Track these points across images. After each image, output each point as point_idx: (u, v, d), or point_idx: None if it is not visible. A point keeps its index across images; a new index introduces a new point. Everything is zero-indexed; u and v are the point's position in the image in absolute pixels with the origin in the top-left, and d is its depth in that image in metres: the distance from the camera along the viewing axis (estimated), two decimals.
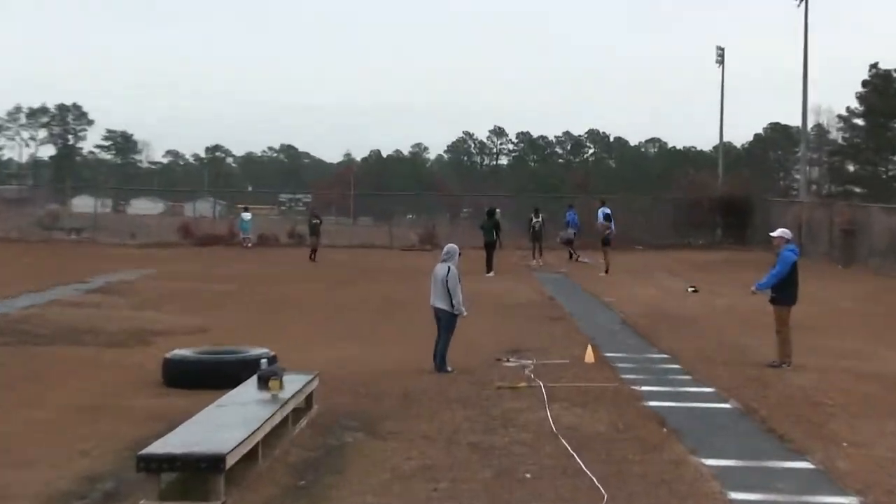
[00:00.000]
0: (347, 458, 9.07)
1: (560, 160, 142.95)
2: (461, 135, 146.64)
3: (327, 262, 33.43)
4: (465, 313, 13.72)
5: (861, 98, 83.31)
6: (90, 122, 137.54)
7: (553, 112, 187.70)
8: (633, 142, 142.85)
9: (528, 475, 8.47)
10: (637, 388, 12.29)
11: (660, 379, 13.09)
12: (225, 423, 8.44)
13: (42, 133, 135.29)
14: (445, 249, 13.86)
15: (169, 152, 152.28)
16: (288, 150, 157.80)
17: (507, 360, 14.27)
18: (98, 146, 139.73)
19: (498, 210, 31.74)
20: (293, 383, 10.14)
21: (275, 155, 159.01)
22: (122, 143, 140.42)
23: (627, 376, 13.13)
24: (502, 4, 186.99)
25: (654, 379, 13.05)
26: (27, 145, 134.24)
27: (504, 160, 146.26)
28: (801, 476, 8.62)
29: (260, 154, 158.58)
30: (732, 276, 27.53)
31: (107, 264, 30.46)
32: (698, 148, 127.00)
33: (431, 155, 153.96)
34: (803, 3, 42.73)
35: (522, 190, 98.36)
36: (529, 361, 14.10)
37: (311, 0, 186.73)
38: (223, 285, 25.41)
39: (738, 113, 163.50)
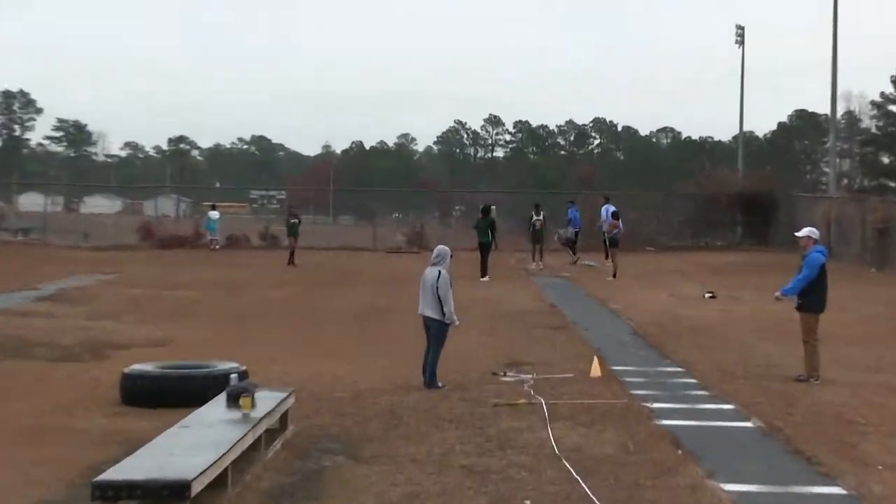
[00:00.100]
0: (326, 484, 9.06)
1: (562, 152, 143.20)
2: (452, 124, 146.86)
3: (305, 266, 33.40)
4: (458, 322, 13.72)
5: None
6: (39, 111, 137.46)
7: (555, 99, 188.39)
8: (643, 131, 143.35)
9: (527, 502, 8.47)
10: (648, 404, 12.30)
11: (674, 395, 13.10)
12: (190, 446, 8.42)
13: None
14: (435, 252, 13.86)
15: (127, 144, 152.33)
16: (260, 141, 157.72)
17: (505, 375, 14.26)
18: (48, 137, 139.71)
19: (494, 207, 31.75)
20: (266, 401, 10.12)
21: (245, 147, 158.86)
22: (75, 133, 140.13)
23: (638, 392, 13.14)
24: None
25: (668, 395, 13.07)
26: None
27: (500, 152, 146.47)
28: (831, 503, 8.63)
29: (229, 146, 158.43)
30: (754, 281, 27.56)
31: (58, 269, 30.35)
32: (716, 138, 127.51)
33: (420, 146, 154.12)
34: None
35: (521, 185, 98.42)
36: (529, 376, 14.09)
37: None
38: (188, 292, 25.34)
39: (760, 99, 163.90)
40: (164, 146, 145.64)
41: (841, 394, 13.17)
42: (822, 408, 12.28)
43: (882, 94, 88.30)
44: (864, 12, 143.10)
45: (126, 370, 12.65)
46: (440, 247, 14.02)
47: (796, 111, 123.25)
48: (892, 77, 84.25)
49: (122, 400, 12.36)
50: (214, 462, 8.01)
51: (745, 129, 63.55)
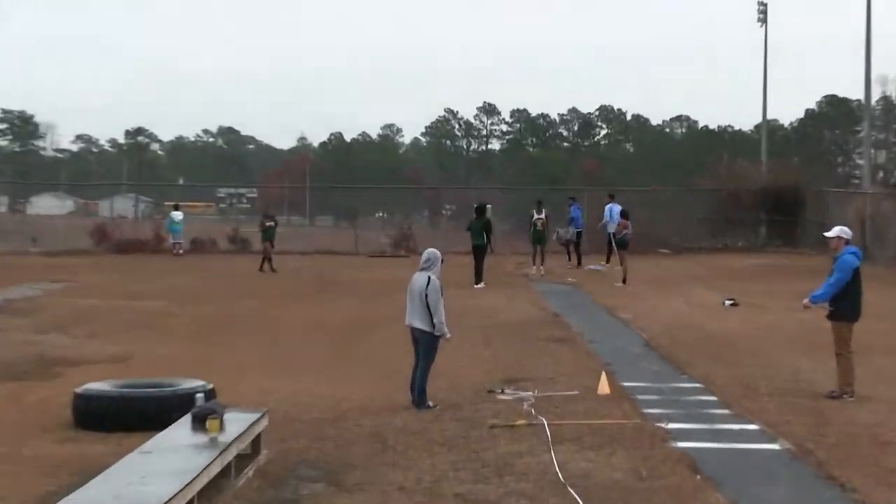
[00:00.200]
0: None
1: (565, 144, 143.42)
2: (442, 113, 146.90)
3: (279, 273, 33.40)
4: (449, 335, 13.71)
5: None
6: None
7: (556, 85, 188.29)
8: (654, 120, 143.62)
9: None
10: (663, 425, 12.31)
11: (691, 414, 13.11)
12: (151, 474, 8.40)
13: None
14: (425, 256, 13.86)
15: (80, 137, 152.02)
16: (228, 133, 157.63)
17: (502, 393, 14.24)
18: None
19: (489, 206, 31.80)
20: (236, 423, 10.10)
21: (211, 140, 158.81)
22: (20, 126, 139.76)
23: (651, 411, 13.14)
24: None
25: (684, 414, 13.07)
26: None
27: (496, 144, 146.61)
28: None
29: (193, 139, 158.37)
30: (780, 287, 27.60)
31: (2, 277, 30.27)
32: (736, 127, 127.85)
33: (406, 138, 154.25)
34: None
35: (519, 181, 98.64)
36: (529, 393, 14.09)
37: None
38: (149, 302, 25.31)
39: (786, 84, 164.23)
40: (121, 139, 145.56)
41: (878, 411, 13.19)
42: (857, 428, 12.29)
43: None
44: None
45: (79, 390, 12.61)
46: (430, 250, 14.01)
47: (826, 97, 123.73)
48: None
49: (74, 423, 12.32)
50: (179, 492, 7.99)
51: (769, 117, 63.77)
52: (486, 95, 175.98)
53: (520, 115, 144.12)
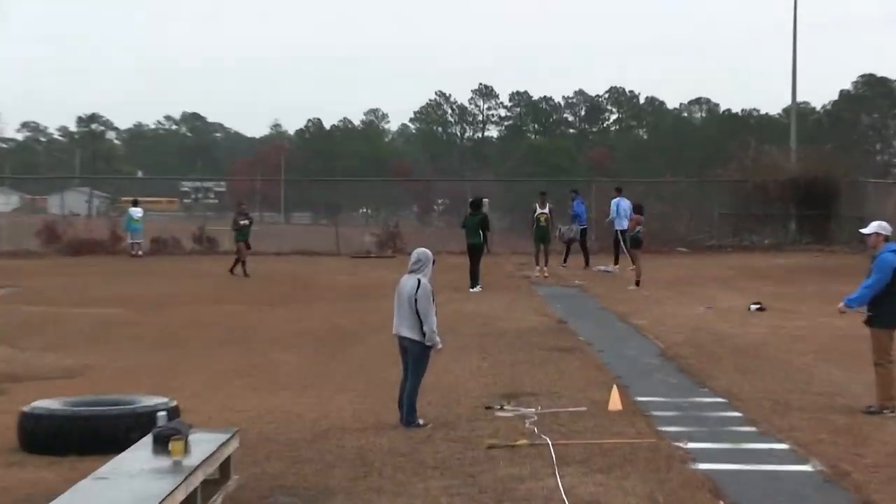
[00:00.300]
0: None
1: (571, 130, 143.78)
2: (433, 97, 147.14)
3: (252, 277, 33.34)
4: (441, 345, 13.72)
5: None
6: None
7: (561, 64, 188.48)
8: (671, 103, 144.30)
9: None
10: (681, 444, 12.32)
11: (713, 432, 13.12)
12: (107, 503, 8.37)
13: None
14: (414, 257, 13.85)
15: (25, 125, 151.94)
16: (192, 120, 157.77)
17: (502, 409, 14.26)
18: None
19: (486, 200, 31.81)
20: (203, 445, 10.08)
21: (174, 128, 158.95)
22: None
23: (668, 429, 13.15)
24: None
25: (706, 432, 13.09)
26: None
27: (493, 131, 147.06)
28: None
29: (153, 126, 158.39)
30: (812, 289, 27.65)
31: None
32: (762, 111, 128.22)
33: (392, 125, 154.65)
34: None
35: (519, 172, 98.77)
36: (532, 410, 14.10)
37: None
38: (105, 310, 25.30)
39: (818, 62, 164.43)
40: (73, 127, 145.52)
41: None
42: None
43: None
44: None
45: (26, 408, 12.57)
46: (420, 250, 14.01)
47: (862, 76, 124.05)
48: None
49: (21, 445, 12.28)
50: None
51: (799, 99, 63.71)
52: (482, 77, 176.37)
53: (520, 98, 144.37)
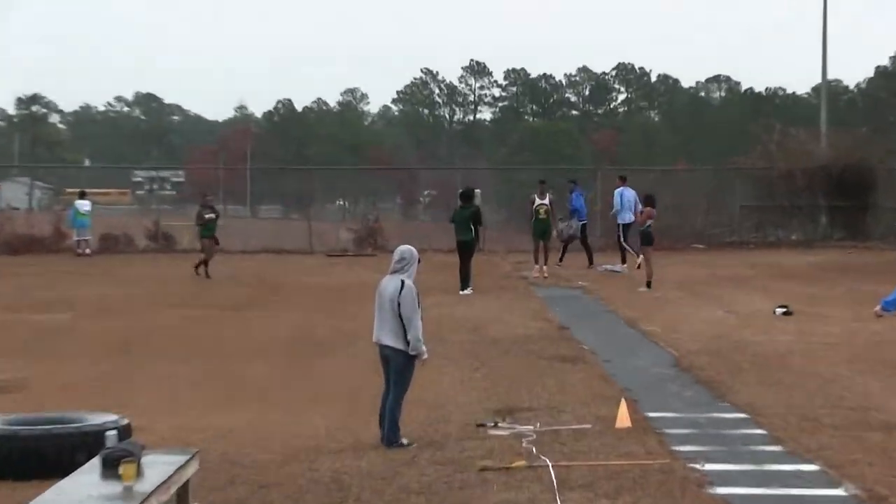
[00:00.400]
0: None
1: (574, 112, 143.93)
2: (419, 75, 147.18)
3: (214, 278, 33.32)
4: (426, 354, 13.70)
5: None
6: None
7: (562, 39, 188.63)
8: (686, 82, 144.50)
9: None
10: (698, 466, 12.31)
11: (733, 452, 13.12)
12: None
13: None
14: (397, 255, 13.83)
15: None
16: (147, 101, 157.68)
17: (496, 426, 14.25)
18: None
19: (478, 192, 31.82)
20: (158, 468, 10.04)
21: (126, 110, 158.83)
22: None
23: (682, 448, 13.15)
24: None
25: (725, 452, 13.09)
26: None
27: (486, 113, 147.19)
28: None
29: (102, 108, 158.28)
30: (844, 290, 27.68)
31: None
32: (788, 90, 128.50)
33: (373, 107, 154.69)
34: None
35: (515, 159, 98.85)
36: (529, 427, 14.09)
37: None
38: (48, 315, 25.27)
39: (852, 37, 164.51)
40: (11, 110, 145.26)
41: None
42: None
43: None
44: None
45: None
46: (403, 247, 14.00)
47: None
48: None
49: None
50: None
51: (831, 77, 63.96)
52: (473, 53, 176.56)
53: (516, 76, 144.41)
